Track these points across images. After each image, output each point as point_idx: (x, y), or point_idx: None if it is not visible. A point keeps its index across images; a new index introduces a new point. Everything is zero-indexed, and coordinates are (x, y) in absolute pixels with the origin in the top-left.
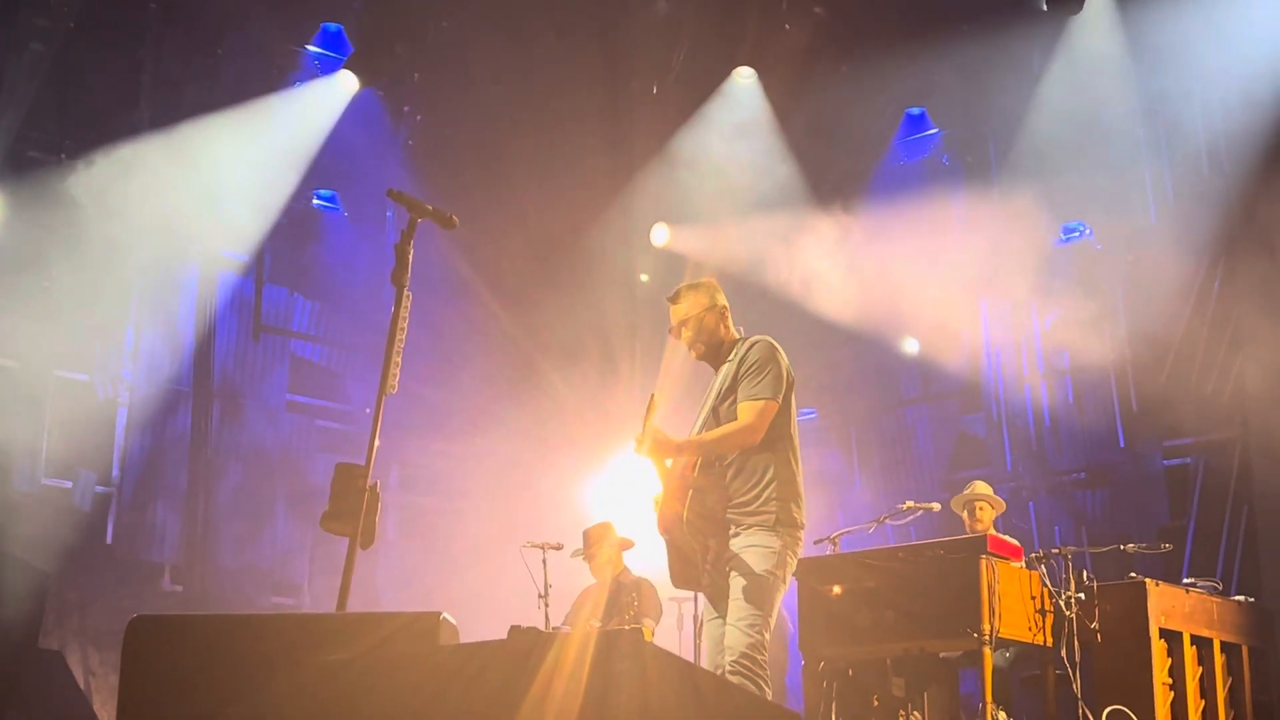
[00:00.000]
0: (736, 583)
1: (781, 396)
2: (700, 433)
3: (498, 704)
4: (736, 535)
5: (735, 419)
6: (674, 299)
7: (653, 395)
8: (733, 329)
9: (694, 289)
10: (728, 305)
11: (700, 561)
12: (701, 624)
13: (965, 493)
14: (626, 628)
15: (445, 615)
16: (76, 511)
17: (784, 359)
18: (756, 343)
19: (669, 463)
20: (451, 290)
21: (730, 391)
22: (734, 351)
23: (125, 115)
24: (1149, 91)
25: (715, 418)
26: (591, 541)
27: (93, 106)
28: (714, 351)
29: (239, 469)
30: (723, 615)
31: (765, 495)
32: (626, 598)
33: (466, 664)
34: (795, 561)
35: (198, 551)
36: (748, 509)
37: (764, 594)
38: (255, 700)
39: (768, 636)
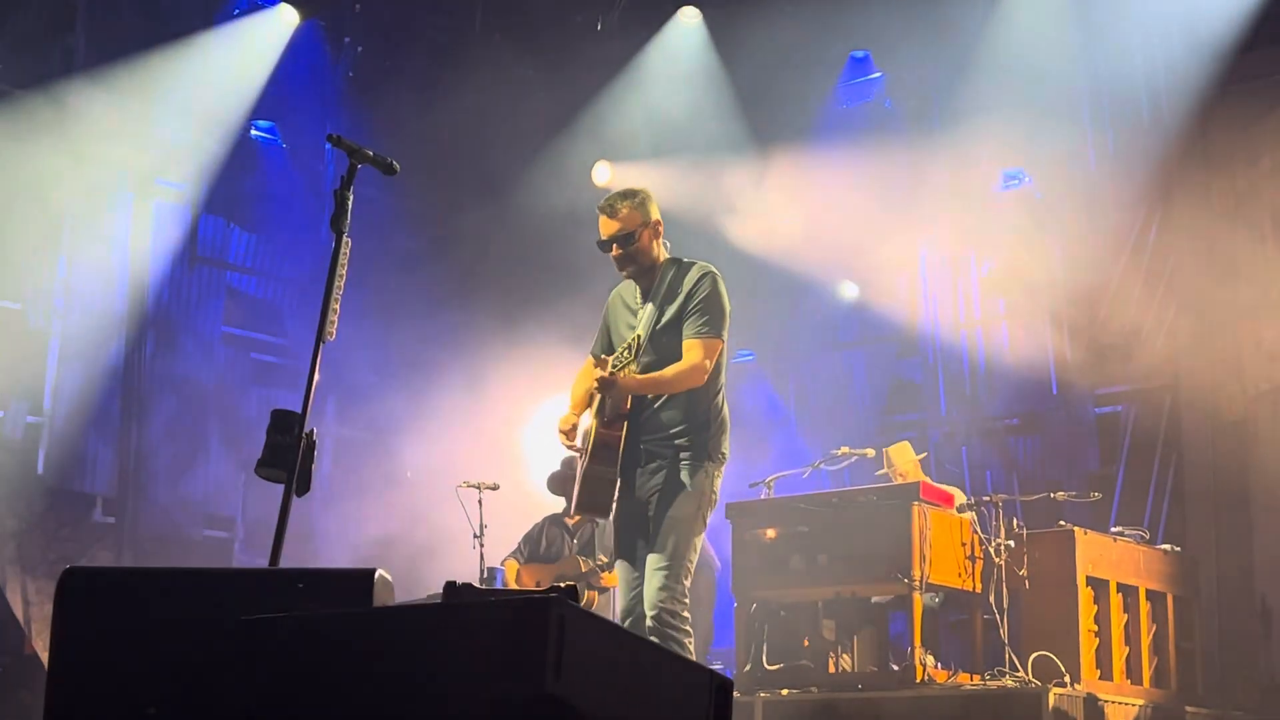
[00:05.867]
0: (659, 523)
1: (725, 334)
2: (634, 359)
3: (429, 666)
4: (663, 469)
5: (677, 352)
6: (608, 210)
7: (638, 336)
8: (663, 247)
9: (630, 199)
10: (661, 220)
11: (614, 492)
12: None
13: (885, 466)
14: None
15: (381, 572)
16: (7, 441)
17: (725, 293)
18: (705, 275)
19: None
20: (390, 225)
21: (675, 324)
22: (667, 274)
23: (60, 40)
24: (1092, 41)
25: (654, 347)
26: None
27: (27, 30)
28: (644, 270)
29: (172, 400)
30: (629, 557)
31: (700, 430)
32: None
33: (401, 625)
34: (717, 496)
35: (130, 483)
36: (679, 441)
37: (686, 538)
38: (189, 657)
39: (688, 583)
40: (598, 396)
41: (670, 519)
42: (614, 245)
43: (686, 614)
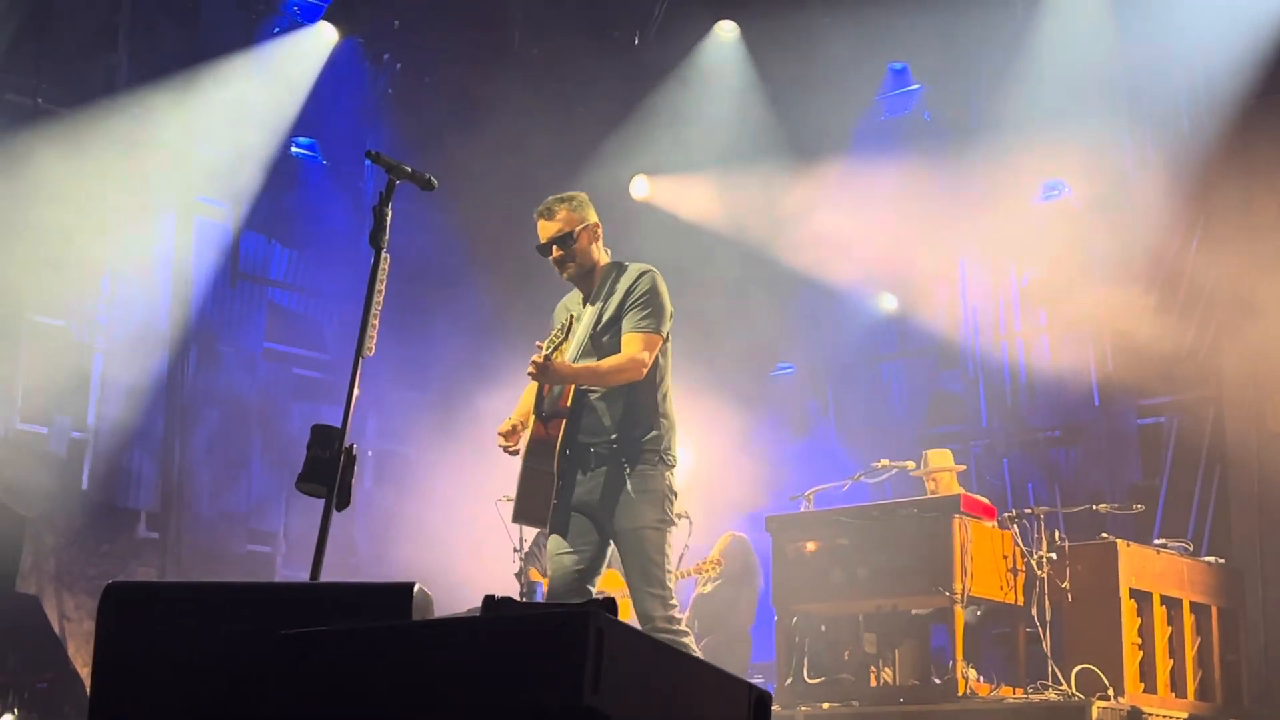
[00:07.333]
0: (629, 542)
1: (666, 331)
2: (566, 338)
3: (468, 680)
4: (608, 475)
5: (618, 350)
6: (546, 213)
7: (571, 317)
8: (604, 251)
9: (568, 202)
10: (600, 223)
11: (551, 493)
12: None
13: (922, 467)
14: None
15: (420, 586)
16: (52, 457)
17: (666, 292)
18: (644, 273)
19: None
20: (429, 240)
21: (614, 321)
22: (608, 277)
23: (102, 59)
24: (1131, 49)
25: (595, 347)
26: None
27: (70, 50)
28: (585, 273)
29: (215, 416)
30: (578, 549)
31: (644, 431)
32: None
33: (440, 638)
34: (676, 492)
35: (174, 498)
36: (623, 444)
37: (658, 544)
38: (231, 670)
39: (674, 585)
40: (534, 390)
41: (634, 531)
42: (553, 247)
43: (678, 614)
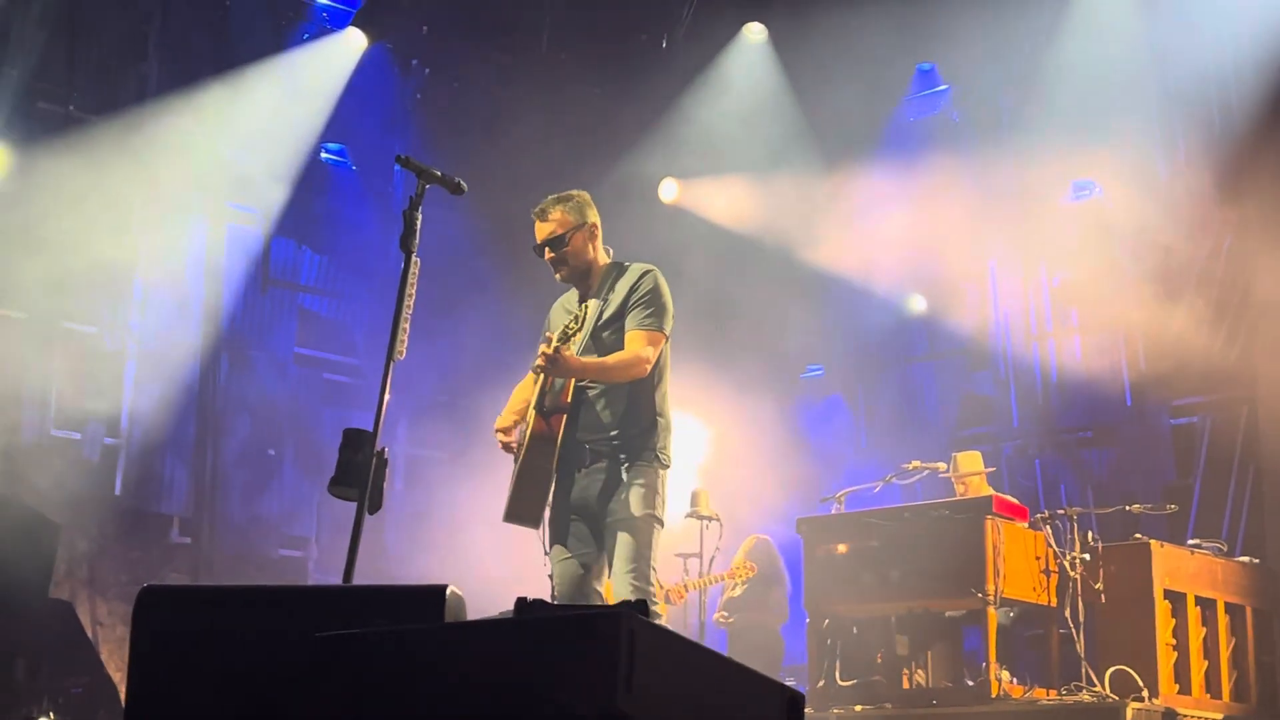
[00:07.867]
0: (618, 529)
1: (669, 329)
2: (580, 328)
3: (501, 682)
4: (605, 471)
5: (619, 348)
6: (540, 215)
7: (586, 306)
8: (603, 251)
9: (564, 203)
10: (599, 224)
11: (548, 493)
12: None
13: (952, 470)
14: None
15: (453, 589)
16: (85, 463)
17: (669, 291)
18: (647, 272)
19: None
20: (458, 244)
21: (617, 318)
22: (608, 277)
23: (133, 67)
24: (1161, 48)
25: (597, 344)
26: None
27: (101, 57)
28: (582, 274)
29: (247, 421)
30: (578, 554)
31: (642, 430)
32: None
33: (473, 640)
34: (666, 496)
35: (206, 503)
36: (620, 442)
37: (645, 538)
38: (265, 673)
39: (657, 583)
40: (537, 385)
41: (624, 521)
42: (546, 249)
43: (658, 611)
